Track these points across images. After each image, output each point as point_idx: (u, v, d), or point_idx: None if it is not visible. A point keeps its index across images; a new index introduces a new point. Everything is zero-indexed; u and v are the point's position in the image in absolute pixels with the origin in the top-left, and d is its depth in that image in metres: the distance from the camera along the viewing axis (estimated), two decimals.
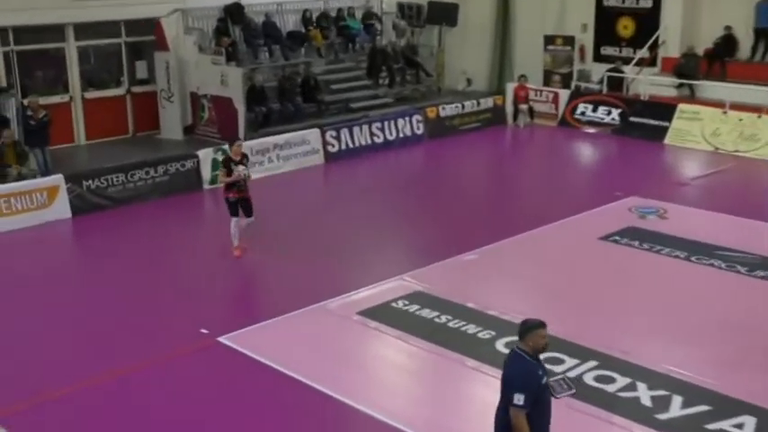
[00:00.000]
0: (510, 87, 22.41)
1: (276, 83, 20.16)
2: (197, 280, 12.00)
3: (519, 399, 6.06)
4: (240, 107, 19.14)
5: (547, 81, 23.40)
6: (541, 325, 6.29)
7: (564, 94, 22.00)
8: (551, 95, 22.10)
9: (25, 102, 17.15)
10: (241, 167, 12.36)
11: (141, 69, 20.67)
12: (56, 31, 19.10)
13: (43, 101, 16.96)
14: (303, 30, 22.12)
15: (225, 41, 19.88)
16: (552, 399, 6.38)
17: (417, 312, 10.58)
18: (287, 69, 20.69)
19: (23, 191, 14.25)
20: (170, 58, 19.93)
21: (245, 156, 12.76)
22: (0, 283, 11.92)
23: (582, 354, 9.36)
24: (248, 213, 12.70)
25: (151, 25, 20.00)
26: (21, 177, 15.06)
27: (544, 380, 6.24)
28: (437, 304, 10.76)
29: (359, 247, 13.05)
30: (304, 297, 10.96)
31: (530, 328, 6.27)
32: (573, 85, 22.85)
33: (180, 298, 11.30)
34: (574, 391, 6.56)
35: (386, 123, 19.65)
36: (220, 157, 15.93)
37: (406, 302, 10.86)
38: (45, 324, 10.49)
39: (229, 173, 12.38)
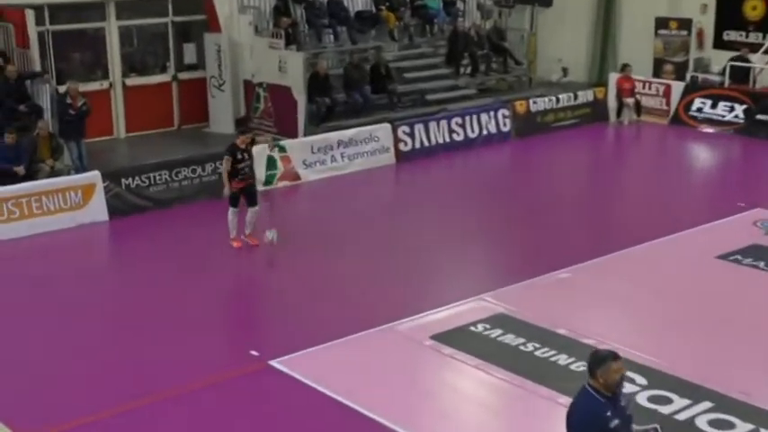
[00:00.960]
0: (613, 78, 22.18)
1: (342, 70, 20.33)
2: (246, 293, 12.14)
3: None
4: (300, 98, 19.33)
5: (657, 71, 23.17)
6: (614, 357, 6.13)
7: (677, 87, 21.70)
8: (662, 88, 21.83)
9: (62, 88, 17.59)
10: (241, 165, 13.10)
11: (189, 53, 21.05)
12: (95, 9, 19.59)
13: (81, 88, 17.35)
14: (374, 9, 22.27)
15: (284, 22, 20.09)
16: None
17: (500, 338, 10.52)
18: (354, 55, 20.85)
19: (56, 189, 14.56)
20: (222, 40, 20.26)
21: (251, 143, 13.42)
22: (29, 292, 12.22)
23: (694, 393, 9.18)
24: (252, 202, 13.37)
25: (201, 3, 20.37)
26: (54, 173, 15.45)
27: (614, 423, 6.04)
28: (523, 329, 10.68)
29: (433, 261, 13.05)
30: (369, 317, 11.00)
31: (599, 360, 6.12)
32: (688, 76, 22.55)
33: (227, 313, 11.45)
34: None
35: (467, 119, 19.63)
36: (277, 155, 16.25)
37: (487, 326, 10.81)
38: (78, 341, 10.72)
39: (235, 161, 13.02)
